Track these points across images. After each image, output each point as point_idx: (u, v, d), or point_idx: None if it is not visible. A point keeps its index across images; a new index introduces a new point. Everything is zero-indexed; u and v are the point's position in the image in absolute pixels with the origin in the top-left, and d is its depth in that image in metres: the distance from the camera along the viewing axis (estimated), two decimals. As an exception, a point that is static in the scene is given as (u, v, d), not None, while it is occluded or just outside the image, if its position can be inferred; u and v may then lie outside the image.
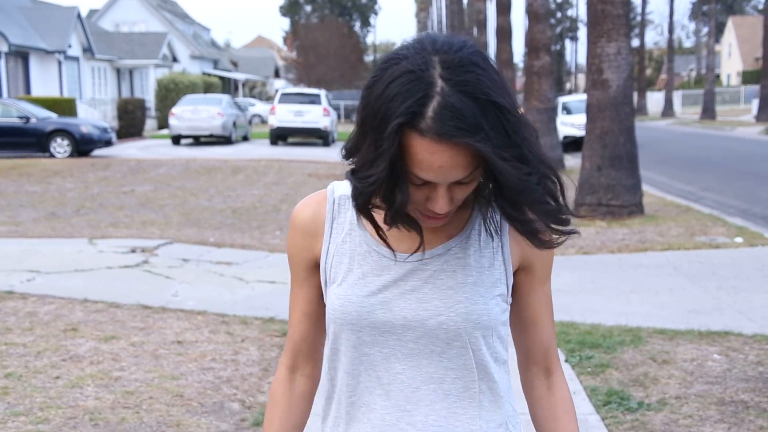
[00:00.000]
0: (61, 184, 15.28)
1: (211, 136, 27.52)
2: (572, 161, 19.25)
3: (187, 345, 5.41)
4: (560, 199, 1.31)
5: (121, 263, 7.99)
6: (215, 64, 52.02)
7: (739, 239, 9.04)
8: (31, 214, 11.65)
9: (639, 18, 63.33)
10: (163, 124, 35.41)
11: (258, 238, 9.76)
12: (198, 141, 28.23)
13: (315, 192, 1.49)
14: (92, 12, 49.44)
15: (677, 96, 60.45)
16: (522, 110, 1.26)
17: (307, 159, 21.01)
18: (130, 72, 40.99)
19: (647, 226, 10.06)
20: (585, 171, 10.97)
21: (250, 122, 32.44)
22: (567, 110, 25.64)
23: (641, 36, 60.06)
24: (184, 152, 23.93)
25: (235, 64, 59.23)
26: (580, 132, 21.79)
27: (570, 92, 76.55)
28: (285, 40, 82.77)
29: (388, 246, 1.36)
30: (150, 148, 26.03)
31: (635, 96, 54.84)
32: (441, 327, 1.36)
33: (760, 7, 62.61)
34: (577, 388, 4.55)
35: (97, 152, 22.62)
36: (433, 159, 1.21)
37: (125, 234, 9.86)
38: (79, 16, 33.67)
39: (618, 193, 10.72)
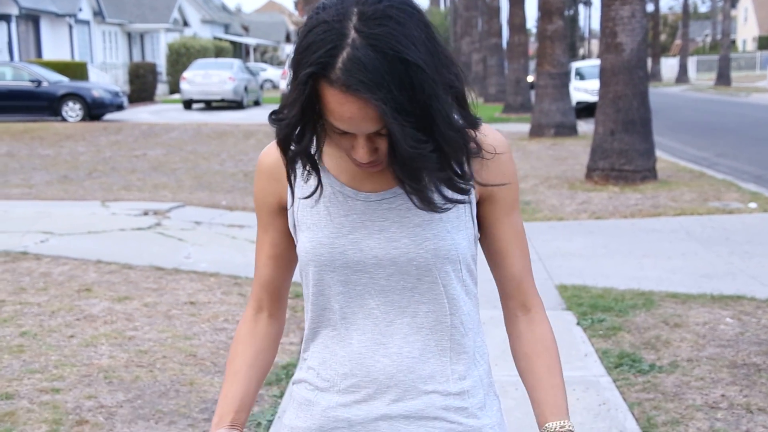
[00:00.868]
0: (74, 148, 15.31)
1: (222, 100, 27.47)
2: (585, 127, 19.14)
3: (199, 306, 5.44)
4: (464, 165, 1.31)
5: (134, 225, 8.02)
6: (226, 28, 51.77)
7: (752, 205, 8.99)
8: (44, 177, 11.69)
9: (654, -18, 62.45)
10: (174, 88, 35.35)
11: (270, 201, 9.76)
12: (209, 105, 28.18)
13: None
14: (103, -25, 49.12)
15: (692, 62, 59.85)
16: (532, 78, 1.25)
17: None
18: (141, 36, 40.84)
19: (660, 191, 10.01)
20: (598, 136, 10.90)
21: (261, 87, 32.34)
22: (580, 76, 25.44)
23: (656, 1, 59.36)
24: (196, 117, 23.90)
25: (246, 28, 58.92)
26: (593, 97, 21.64)
27: (583, 58, 75.92)
28: (296, 4, 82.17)
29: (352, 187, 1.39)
30: (161, 112, 26.01)
31: (649, 62, 54.37)
32: (411, 264, 1.38)
33: (778, -29, 61.68)
34: (589, 351, 4.56)
35: (108, 116, 22.61)
36: (343, 110, 1.22)
37: (137, 197, 9.88)
38: (89, -21, 33.51)
39: (631, 158, 10.65)
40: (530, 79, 26.39)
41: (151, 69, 32.41)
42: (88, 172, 12.19)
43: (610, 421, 3.69)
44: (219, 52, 39.40)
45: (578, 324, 5.02)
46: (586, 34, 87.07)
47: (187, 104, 27.43)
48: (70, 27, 31.59)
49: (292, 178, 1.40)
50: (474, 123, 1.34)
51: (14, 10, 27.69)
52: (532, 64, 35.43)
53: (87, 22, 33.79)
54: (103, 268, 6.36)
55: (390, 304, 1.41)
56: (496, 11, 30.50)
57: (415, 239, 1.38)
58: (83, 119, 21.37)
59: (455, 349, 1.44)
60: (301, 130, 1.29)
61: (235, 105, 27.78)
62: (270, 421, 3.73)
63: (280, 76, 30.16)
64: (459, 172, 1.31)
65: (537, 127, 17.37)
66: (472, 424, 1.45)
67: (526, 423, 3.43)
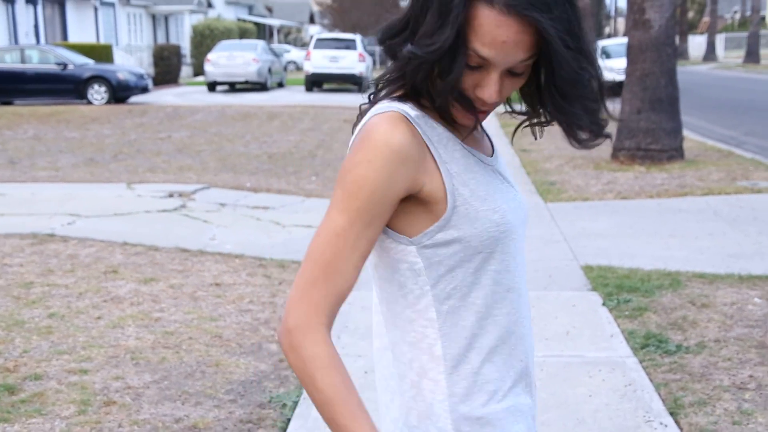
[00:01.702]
0: (99, 131, 15.40)
1: (246, 82, 27.48)
2: (611, 106, 18.92)
3: (225, 287, 5.46)
4: (601, 101, 1.31)
5: (159, 207, 8.07)
6: (250, 9, 51.74)
7: (781, 184, 8.87)
8: (71, 159, 11.78)
9: (682, -41, 61.54)
10: (198, 71, 35.43)
11: (294, 183, 9.78)
12: (233, 88, 28.22)
13: (375, 117, 1.27)
14: (127, -42, 49.24)
15: (720, 39, 58.97)
16: None
17: (343, 105, 20.92)
18: (166, 18, 40.93)
19: (687, 170, 9.91)
20: (624, 114, 10.78)
21: (285, 68, 32.33)
22: (606, 54, 25.15)
23: (684, -23, 58.49)
24: (220, 99, 23.96)
25: (269, 9, 58.87)
26: (619, 76, 21.41)
27: (609, 36, 75.05)
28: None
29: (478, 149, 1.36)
30: (186, 94, 26.09)
31: (677, 39, 53.67)
32: (527, 220, 1.42)
33: (809, -54, 60.52)
34: (615, 331, 4.53)
35: (133, 99, 22.72)
36: (499, 32, 1.18)
37: (163, 179, 9.93)
38: (113, -39, 33.61)
39: (658, 137, 10.54)
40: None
41: (176, 51, 32.48)
42: (113, 155, 12.27)
43: (636, 402, 3.67)
44: (243, 34, 39.41)
45: (604, 305, 4.98)
46: (613, 13, 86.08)
47: (212, 86, 27.48)
48: (96, 9, 31.72)
49: (437, 138, 1.29)
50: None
51: (40, -6, 27.87)
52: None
53: (112, 5, 33.92)
54: (129, 249, 6.41)
55: (522, 264, 1.39)
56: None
57: (522, 196, 1.41)
58: (108, 102, 21.48)
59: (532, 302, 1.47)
60: (449, 59, 1.20)
61: (259, 87, 27.79)
62: (295, 402, 3.75)
63: (303, 58, 30.07)
64: (604, 105, 1.32)
65: (562, 107, 17.21)
66: None
67: (551, 404, 3.41)
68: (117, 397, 3.77)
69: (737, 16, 76.13)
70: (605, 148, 11.68)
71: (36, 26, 28.19)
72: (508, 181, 1.38)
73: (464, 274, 1.29)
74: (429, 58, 1.20)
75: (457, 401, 1.31)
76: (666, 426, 3.46)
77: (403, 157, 1.23)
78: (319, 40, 28.37)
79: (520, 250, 1.38)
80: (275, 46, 44.02)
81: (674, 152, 10.59)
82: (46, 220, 7.38)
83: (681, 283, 5.36)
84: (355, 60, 26.82)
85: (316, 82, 27.74)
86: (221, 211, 8.02)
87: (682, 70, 39.51)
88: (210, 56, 27.35)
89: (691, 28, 73.93)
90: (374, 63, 34.19)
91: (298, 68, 42.81)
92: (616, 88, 17.00)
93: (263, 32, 51.25)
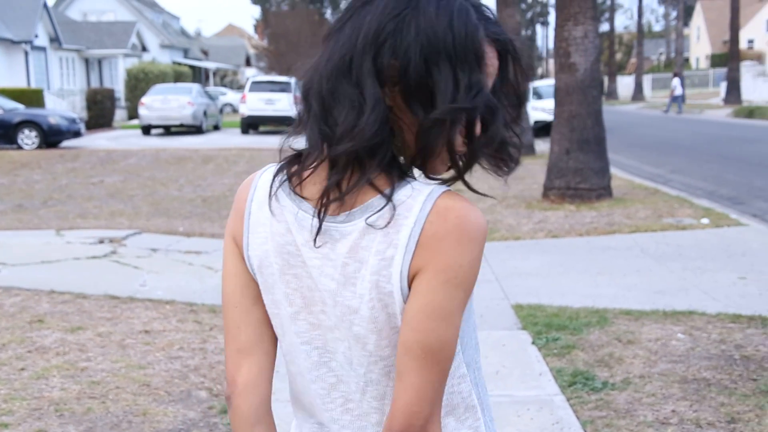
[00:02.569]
0: (29, 176, 15.12)
1: (181, 125, 27.34)
2: (543, 146, 19.31)
3: (154, 334, 5.39)
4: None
5: (89, 254, 7.93)
6: (185, 53, 51.61)
7: (705, 220, 9.15)
8: (-2, 206, 11.52)
9: (609, 2, 63.57)
10: (133, 114, 35.10)
11: (228, 226, 9.71)
12: (168, 131, 28.02)
13: (456, 203, 1.23)
14: (59, 1, 48.79)
15: (647, 80, 60.84)
16: None
17: (278, 147, 20.86)
18: (99, 62, 40.55)
19: (615, 208, 10.15)
20: (553, 155, 11.02)
21: (221, 111, 32.25)
22: (538, 95, 25.70)
23: (611, 20, 60.34)
24: (155, 142, 23.75)
25: (205, 53, 58.79)
26: (550, 117, 21.88)
27: (542, 77, 76.77)
28: (256, 28, 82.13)
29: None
30: (120, 138, 25.80)
31: (606, 80, 55.20)
32: None
33: (728, -10, 63.00)
34: (543, 370, 4.59)
35: (65, 143, 22.38)
36: (492, 62, 1.25)
37: (93, 225, 9.78)
38: (45, 5, 33.22)
39: (586, 177, 10.79)
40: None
41: (109, 95, 32.18)
42: (43, 201, 12.05)
43: (563, 440, 3.72)
44: (178, 77, 39.24)
45: (533, 343, 5.05)
46: (544, 54, 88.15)
47: (146, 130, 27.26)
48: (26, 53, 31.26)
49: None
50: None
51: (-32, 38, 27.38)
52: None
53: (43, 49, 33.49)
54: (56, 298, 6.28)
55: None
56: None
57: None
58: (39, 147, 21.12)
59: None
60: (491, 108, 1.21)
61: (195, 130, 27.67)
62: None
63: (239, 100, 30.06)
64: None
65: (495, 147, 17.49)
66: None
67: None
68: (39, 451, 3.67)
69: (663, 58, 78.68)
70: (537, 187, 11.90)
71: (-36, 70, 27.65)
72: None
73: (467, 323, 1.32)
74: (487, 106, 1.20)
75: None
76: (592, 463, 3.50)
77: None
78: (254, 83, 28.41)
79: None
80: (211, 88, 43.93)
81: (603, 191, 10.84)
82: (-30, 269, 7.19)
83: (608, 320, 5.47)
84: (290, 102, 26.91)
85: (251, 125, 27.73)
86: (152, 257, 7.92)
87: (612, 109, 40.58)
88: (144, 99, 27.18)
89: (620, 69, 76.04)
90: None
91: (234, 111, 42.72)
92: (548, 128, 17.28)
93: (199, 75, 51.10)
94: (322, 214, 1.22)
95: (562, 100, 10.94)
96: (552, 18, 78.15)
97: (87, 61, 39.25)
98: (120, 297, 6.31)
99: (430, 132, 1.19)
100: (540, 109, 24.43)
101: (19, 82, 30.14)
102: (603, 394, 4.21)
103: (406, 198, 1.20)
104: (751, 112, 31.11)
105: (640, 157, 17.57)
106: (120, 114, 36.26)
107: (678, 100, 36.82)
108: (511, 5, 17.51)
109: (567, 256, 7.67)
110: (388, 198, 1.20)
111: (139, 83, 35.62)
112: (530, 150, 17.70)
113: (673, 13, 74.08)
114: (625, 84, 63.97)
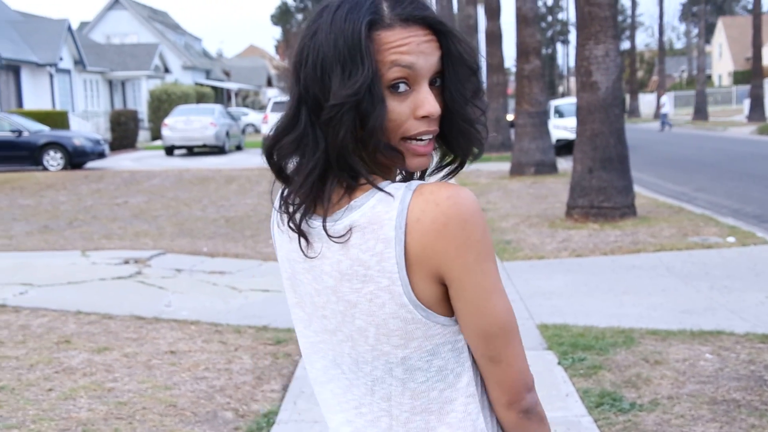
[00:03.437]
0: (54, 197, 15.27)
1: (204, 146, 27.53)
2: (565, 164, 19.29)
3: (180, 355, 5.41)
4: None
5: (114, 275, 7.99)
6: (207, 74, 52.06)
7: (731, 239, 9.07)
8: (24, 227, 11.64)
9: (629, 20, 63.49)
10: (156, 135, 35.41)
11: (251, 246, 9.76)
12: (191, 151, 28.23)
13: (452, 187, 1.29)
14: (83, 24, 49.44)
15: (669, 97, 60.61)
16: (511, 116, 1.33)
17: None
18: (122, 84, 41.00)
19: (640, 227, 10.08)
20: (576, 174, 10.99)
21: (243, 131, 32.46)
22: (559, 113, 25.70)
23: (632, 38, 60.25)
24: (178, 163, 23.93)
25: (227, 73, 59.26)
26: (572, 135, 21.85)
27: (563, 95, 76.73)
28: (277, 48, 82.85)
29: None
30: (143, 159, 26.02)
31: (627, 98, 55.06)
32: None
33: (749, 7, 62.78)
34: (570, 390, 4.56)
35: (90, 164, 22.60)
36: (410, 41, 1.27)
37: (118, 245, 9.85)
38: (69, 28, 33.70)
39: (610, 195, 10.74)
40: (510, 117, 26.68)
41: (133, 116, 32.49)
42: (68, 222, 12.15)
43: (591, 462, 3.68)
44: (200, 98, 39.57)
45: (559, 364, 5.02)
46: (565, 72, 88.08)
47: (169, 150, 27.48)
48: (51, 76, 31.69)
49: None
50: None
51: (-6, 61, 27.78)
52: (512, 103, 35.78)
53: (68, 71, 33.92)
54: (82, 318, 6.33)
55: None
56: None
57: None
58: (64, 168, 21.35)
59: None
60: (370, 99, 1.24)
61: (217, 150, 27.86)
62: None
63: (261, 121, 30.25)
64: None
65: (517, 166, 17.51)
66: None
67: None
68: (67, 472, 3.69)
69: (685, 75, 78.38)
70: (560, 206, 11.87)
71: (-9, 93, 28.04)
72: None
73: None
74: (353, 100, 1.23)
75: None
76: (621, 485, 3.47)
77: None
78: (276, 103, 28.64)
79: None
80: (233, 109, 44.23)
81: (626, 209, 10.78)
82: (-2, 290, 7.26)
83: (635, 341, 5.42)
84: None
85: (274, 145, 27.82)
86: (177, 277, 7.96)
87: (634, 127, 40.47)
88: (167, 120, 27.41)
89: (642, 86, 75.88)
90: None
91: (257, 131, 42.98)
92: (570, 146, 17.21)
93: (221, 96, 51.51)
94: (299, 221, 1.33)
95: (584, 119, 10.92)
96: (572, 36, 78.47)
97: (111, 83, 39.70)
98: (145, 317, 6.35)
99: (329, 133, 1.27)
100: (562, 127, 24.41)
101: (44, 105, 30.53)
102: (631, 416, 4.18)
103: (386, 196, 1.27)
104: (775, 129, 30.90)
105: (664, 175, 17.48)
106: (143, 135, 36.60)
107: (664, 118, 38.34)
108: (532, 24, 17.55)
109: (591, 276, 7.63)
110: (370, 196, 1.28)
111: (162, 104, 35.95)
112: (552, 169, 17.66)
113: (695, 31, 73.94)
114: (647, 101, 63.78)
